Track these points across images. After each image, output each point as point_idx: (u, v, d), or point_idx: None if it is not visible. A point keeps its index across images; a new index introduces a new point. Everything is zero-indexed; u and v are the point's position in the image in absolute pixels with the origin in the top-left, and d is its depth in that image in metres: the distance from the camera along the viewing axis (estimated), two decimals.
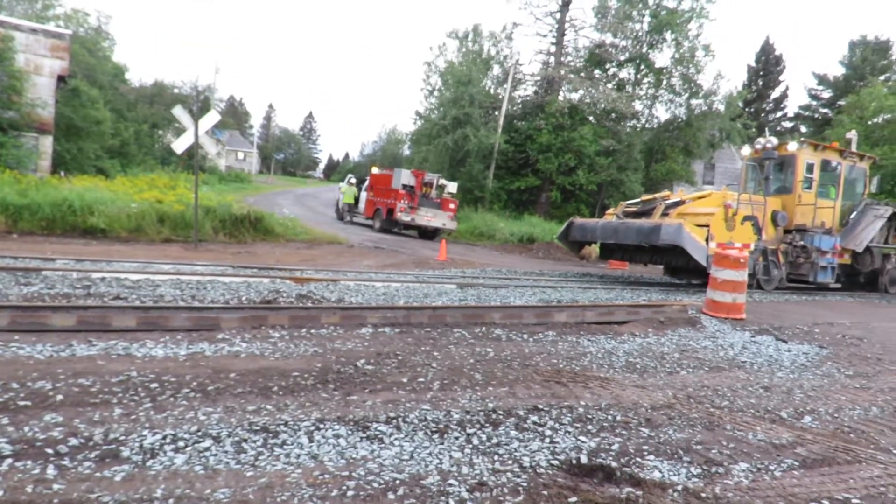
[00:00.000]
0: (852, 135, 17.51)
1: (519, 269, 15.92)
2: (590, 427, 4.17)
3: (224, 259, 12.44)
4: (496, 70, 37.79)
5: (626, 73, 36.36)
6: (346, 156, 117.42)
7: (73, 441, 3.20)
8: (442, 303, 8.51)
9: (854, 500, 3.35)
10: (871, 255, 15.49)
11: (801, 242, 14.00)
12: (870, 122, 41.25)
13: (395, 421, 3.95)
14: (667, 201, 14.08)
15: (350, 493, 2.93)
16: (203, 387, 4.25)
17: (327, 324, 6.70)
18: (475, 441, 3.75)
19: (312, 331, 6.38)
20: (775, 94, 56.01)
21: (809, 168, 14.60)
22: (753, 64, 55.96)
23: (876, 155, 18.64)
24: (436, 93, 38.52)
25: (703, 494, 3.24)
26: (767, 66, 55.61)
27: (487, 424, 4.05)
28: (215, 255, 13.00)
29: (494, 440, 3.79)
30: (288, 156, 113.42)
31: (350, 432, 3.69)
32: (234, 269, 10.25)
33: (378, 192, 26.38)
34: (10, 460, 2.92)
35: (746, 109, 46.73)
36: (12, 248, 10.92)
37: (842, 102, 47.04)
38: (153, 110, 41.42)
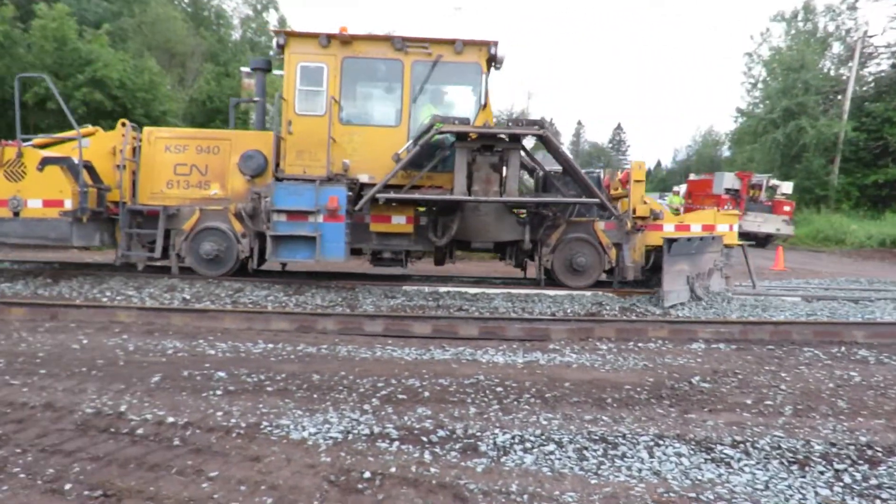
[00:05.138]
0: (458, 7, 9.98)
1: (885, 279, 13.24)
2: None
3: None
4: (836, 48, 32.42)
5: None
6: (658, 164, 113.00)
7: (441, 432, 3.70)
8: (785, 317, 7.56)
9: None
10: (457, 212, 8.83)
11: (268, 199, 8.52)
12: None
13: (742, 445, 3.64)
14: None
15: None
16: (541, 393, 4.52)
17: (655, 337, 6.54)
18: (846, 479, 3.23)
19: (640, 344, 6.28)
20: None
21: (311, 76, 8.84)
22: None
23: (494, 39, 8.76)
24: (760, 85, 34.78)
25: None
26: None
27: (861, 461, 3.45)
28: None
29: (874, 481, 3.21)
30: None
31: (692, 452, 3.52)
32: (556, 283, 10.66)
33: (697, 198, 24.82)
34: (397, 443, 3.51)
35: None
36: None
37: None
38: None
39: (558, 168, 9.71)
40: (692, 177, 27.08)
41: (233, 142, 9.00)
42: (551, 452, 3.46)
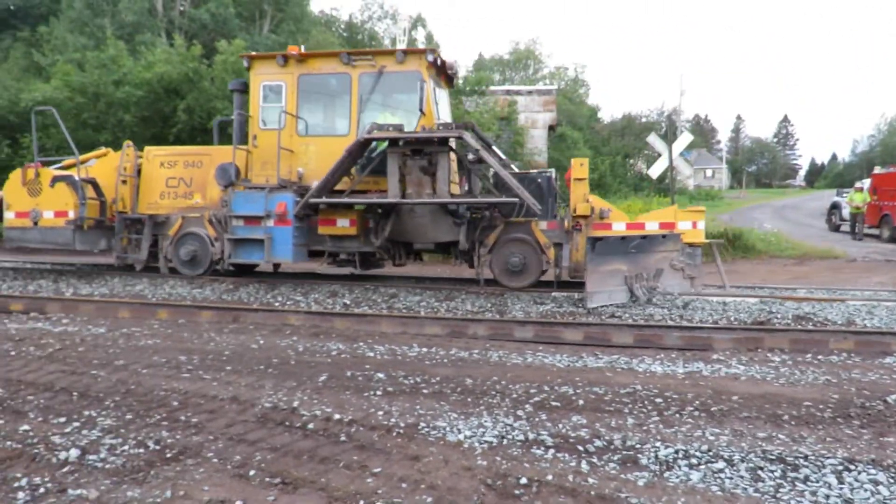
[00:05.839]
0: (404, 20, 10.34)
1: None
2: None
3: (704, 279, 12.23)
4: None
5: None
6: (833, 157, 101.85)
7: (598, 442, 3.58)
8: None
9: None
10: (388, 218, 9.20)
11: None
12: None
13: None
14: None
15: None
16: (706, 407, 4.22)
17: (837, 350, 5.87)
18: None
19: (819, 357, 5.67)
20: None
21: (272, 93, 9.73)
22: None
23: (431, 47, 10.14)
24: None
25: None
26: None
27: None
28: None
29: None
30: (761, 166, 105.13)
31: (892, 480, 3.10)
32: (716, 289, 9.97)
33: (886, 194, 21.94)
34: (552, 451, 3.46)
35: None
36: None
37: None
38: (624, 142, 44.33)
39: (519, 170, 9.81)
40: (877, 170, 24.00)
41: (213, 156, 9.98)
42: (721, 470, 3.21)
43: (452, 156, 8.75)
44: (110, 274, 10.16)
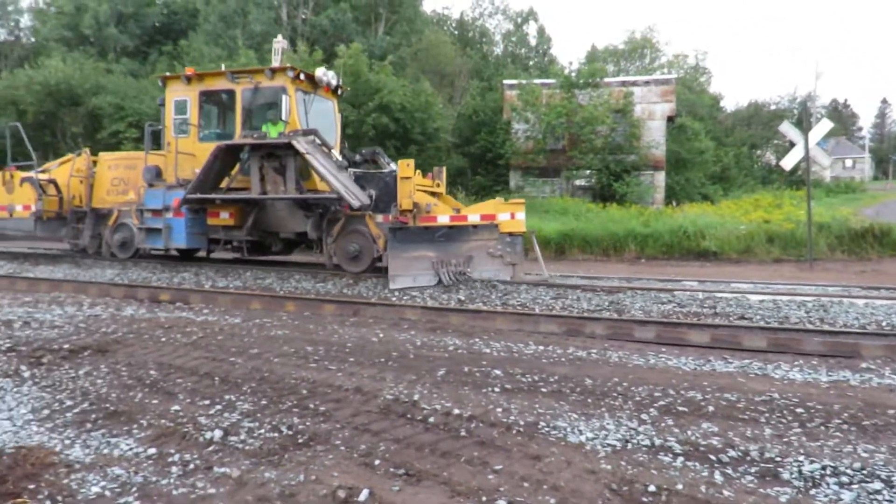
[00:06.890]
0: (279, 42, 12.09)
1: None
2: None
3: (846, 279, 11.21)
4: None
5: None
6: None
7: (732, 452, 3.36)
8: None
9: None
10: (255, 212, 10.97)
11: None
12: None
13: None
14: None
15: None
16: (856, 420, 3.85)
17: None
18: None
19: None
20: None
21: (181, 107, 11.33)
22: None
23: (293, 65, 11.02)
24: None
25: None
26: None
27: None
28: (835, 275, 11.85)
29: None
30: None
31: None
32: (862, 290, 9.09)
33: None
34: (681, 458, 3.29)
35: None
36: (643, 271, 12.64)
37: None
38: (750, 132, 41.53)
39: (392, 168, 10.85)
40: None
41: (144, 160, 11.61)
42: (877, 491, 2.91)
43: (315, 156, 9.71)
44: (243, 268, 10.92)
